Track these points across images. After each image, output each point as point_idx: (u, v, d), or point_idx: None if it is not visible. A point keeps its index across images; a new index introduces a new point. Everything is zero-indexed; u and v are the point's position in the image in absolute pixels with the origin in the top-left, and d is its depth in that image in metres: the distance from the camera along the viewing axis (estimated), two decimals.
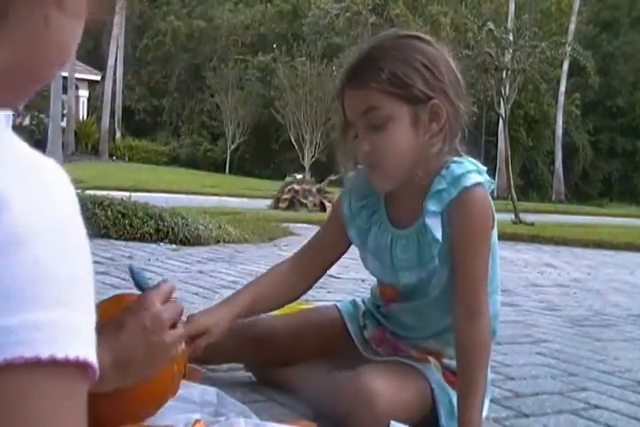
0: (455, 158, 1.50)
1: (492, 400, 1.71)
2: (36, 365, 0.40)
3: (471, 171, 1.46)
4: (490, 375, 1.65)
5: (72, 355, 0.41)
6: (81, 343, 0.43)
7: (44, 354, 0.40)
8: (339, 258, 1.73)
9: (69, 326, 0.42)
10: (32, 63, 0.54)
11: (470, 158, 1.52)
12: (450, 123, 1.45)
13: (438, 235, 1.47)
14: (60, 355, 0.41)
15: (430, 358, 1.62)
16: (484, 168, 1.51)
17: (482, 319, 1.45)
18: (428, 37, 1.53)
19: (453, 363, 1.55)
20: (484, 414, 1.60)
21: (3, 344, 0.40)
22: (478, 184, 1.45)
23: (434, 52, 1.48)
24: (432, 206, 1.47)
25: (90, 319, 0.44)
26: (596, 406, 1.89)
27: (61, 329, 0.42)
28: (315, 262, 1.71)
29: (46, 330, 0.41)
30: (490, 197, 1.50)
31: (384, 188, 1.55)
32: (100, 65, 28.25)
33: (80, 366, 0.43)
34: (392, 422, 1.41)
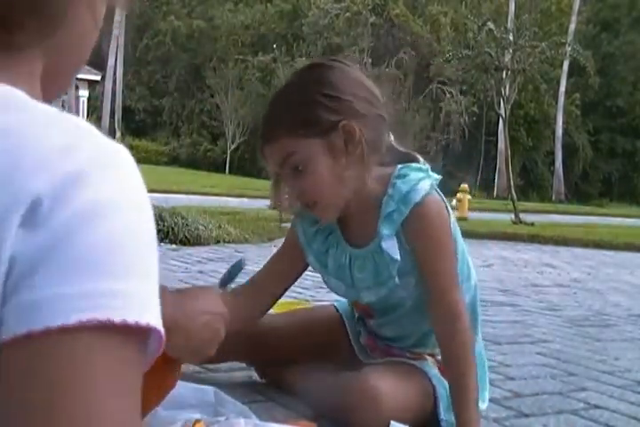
0: (399, 170, 1.50)
1: (491, 400, 1.71)
2: (107, 329, 0.43)
3: (417, 182, 1.47)
4: (486, 369, 1.65)
5: (143, 321, 0.44)
6: (151, 312, 0.45)
7: (117, 319, 0.43)
8: (292, 284, 1.71)
9: (141, 295, 0.45)
10: (76, 60, 0.59)
11: (413, 164, 1.51)
12: (366, 136, 1.45)
13: (396, 255, 1.49)
14: (130, 320, 0.43)
15: (426, 356, 1.66)
16: (427, 166, 1.52)
17: (461, 319, 1.46)
18: (325, 60, 1.55)
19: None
20: (484, 407, 1.61)
21: (79, 308, 0.42)
22: (428, 194, 1.46)
23: (333, 74, 1.48)
24: (386, 230, 1.48)
25: (156, 291, 0.47)
26: (596, 406, 1.89)
27: (134, 298, 0.45)
28: (272, 291, 1.68)
29: (121, 298, 0.44)
30: (441, 196, 1.51)
31: (327, 219, 1.56)
32: (100, 65, 28.25)
33: (146, 335, 0.46)
34: (392, 422, 1.41)
